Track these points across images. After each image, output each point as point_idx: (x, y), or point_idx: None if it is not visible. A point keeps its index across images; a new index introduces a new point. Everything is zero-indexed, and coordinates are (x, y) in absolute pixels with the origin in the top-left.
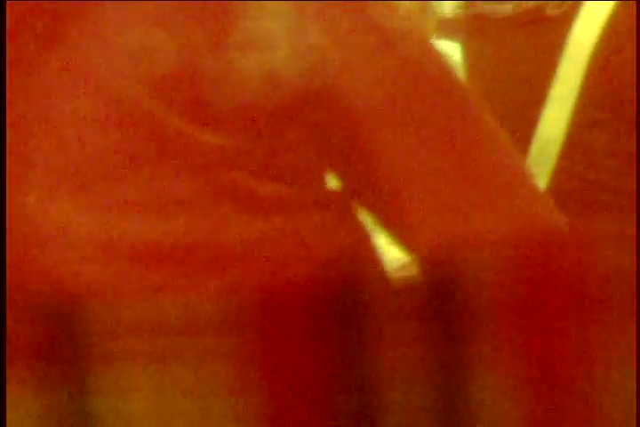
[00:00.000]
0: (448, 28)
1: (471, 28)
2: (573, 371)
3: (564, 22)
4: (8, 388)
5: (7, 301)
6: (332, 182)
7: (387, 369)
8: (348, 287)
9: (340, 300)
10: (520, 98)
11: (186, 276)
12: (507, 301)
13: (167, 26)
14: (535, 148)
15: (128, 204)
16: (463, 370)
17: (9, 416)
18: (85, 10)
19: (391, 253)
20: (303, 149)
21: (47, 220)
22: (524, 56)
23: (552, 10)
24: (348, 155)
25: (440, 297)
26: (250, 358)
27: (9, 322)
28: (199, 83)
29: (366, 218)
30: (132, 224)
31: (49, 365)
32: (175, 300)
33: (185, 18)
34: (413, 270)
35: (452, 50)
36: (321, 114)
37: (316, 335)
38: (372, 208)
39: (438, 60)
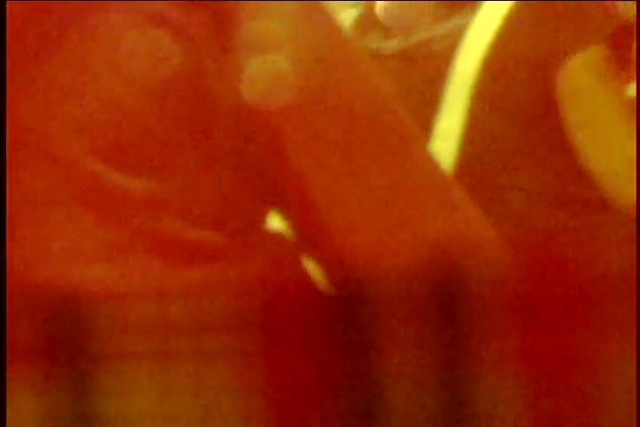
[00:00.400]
0: None
1: None
2: (574, 372)
3: (449, 56)
4: (10, 388)
5: (9, 301)
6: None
7: (389, 370)
8: (350, 289)
9: (343, 301)
10: None
11: None
12: (510, 302)
13: (172, 27)
14: None
15: (53, 248)
16: (465, 371)
17: (10, 417)
18: (87, 12)
19: None
20: (238, 189)
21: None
22: (411, 92)
23: (438, 44)
24: (282, 190)
25: (442, 298)
26: (253, 358)
27: (11, 322)
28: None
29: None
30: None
31: (51, 365)
32: (177, 300)
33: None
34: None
35: None
36: (259, 138)
37: (320, 336)
38: (305, 238)
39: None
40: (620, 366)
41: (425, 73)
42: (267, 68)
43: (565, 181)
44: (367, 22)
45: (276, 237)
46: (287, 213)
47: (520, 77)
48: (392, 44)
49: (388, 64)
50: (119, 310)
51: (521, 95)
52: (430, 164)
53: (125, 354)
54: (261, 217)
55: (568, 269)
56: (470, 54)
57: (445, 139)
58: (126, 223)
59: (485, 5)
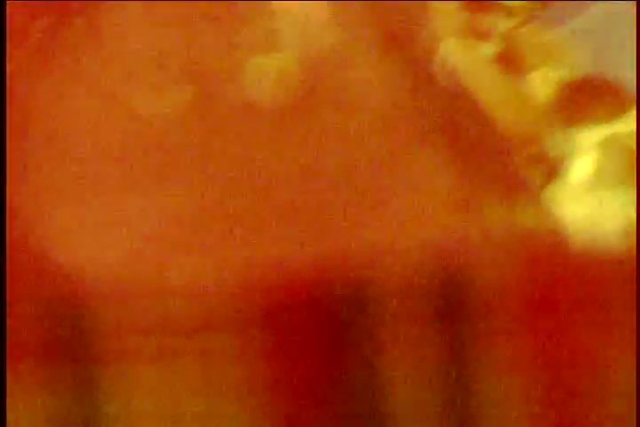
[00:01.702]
0: None
1: None
2: (577, 371)
3: None
4: (12, 390)
5: (13, 301)
6: None
7: (394, 371)
8: (354, 288)
9: (348, 300)
10: None
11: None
12: (514, 300)
13: (178, 26)
14: None
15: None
16: (468, 372)
17: (12, 419)
18: (90, 10)
19: None
20: None
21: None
22: None
23: None
24: None
25: (445, 298)
26: (258, 358)
27: (15, 322)
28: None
29: None
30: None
31: (55, 366)
32: (182, 298)
33: (195, 18)
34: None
35: None
36: None
37: (325, 336)
38: None
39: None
40: (620, 365)
41: None
42: (271, 67)
43: None
44: None
45: None
46: None
47: None
48: None
49: None
50: (122, 310)
51: None
52: None
53: (128, 354)
54: None
55: (573, 268)
56: None
57: None
58: None
59: None
